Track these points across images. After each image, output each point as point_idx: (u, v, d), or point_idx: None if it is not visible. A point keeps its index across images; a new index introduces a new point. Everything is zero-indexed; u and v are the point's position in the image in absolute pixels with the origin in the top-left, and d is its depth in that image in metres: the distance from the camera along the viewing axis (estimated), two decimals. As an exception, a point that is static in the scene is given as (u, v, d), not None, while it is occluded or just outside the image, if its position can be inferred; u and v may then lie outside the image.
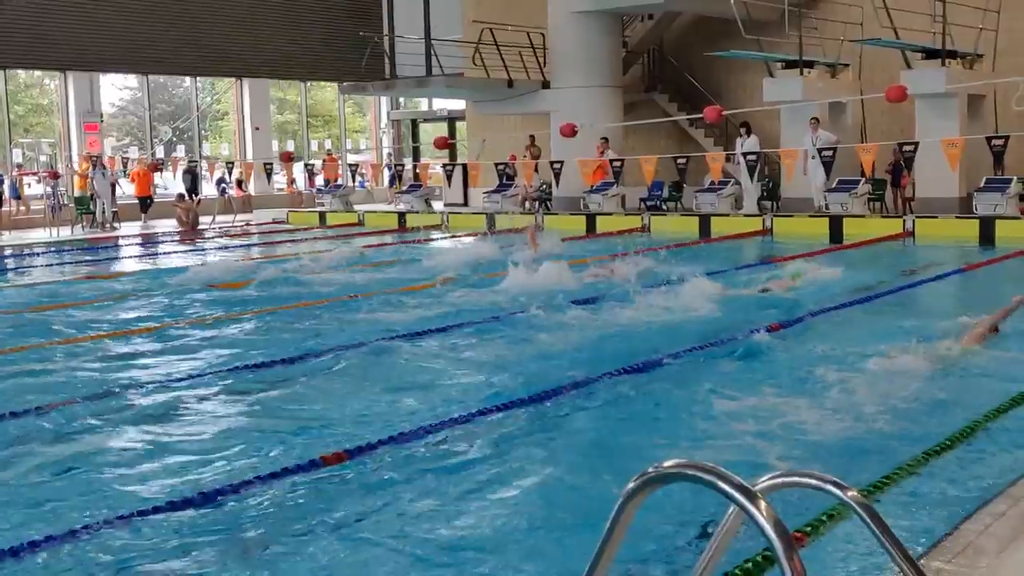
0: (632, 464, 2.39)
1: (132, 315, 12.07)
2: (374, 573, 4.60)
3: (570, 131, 22.91)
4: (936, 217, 19.10)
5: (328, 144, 37.86)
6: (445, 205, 27.84)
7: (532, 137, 26.95)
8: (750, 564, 3.94)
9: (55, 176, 26.22)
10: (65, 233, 24.55)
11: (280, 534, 5.02)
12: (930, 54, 20.35)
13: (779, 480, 2.57)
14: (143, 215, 27.03)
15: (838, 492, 2.52)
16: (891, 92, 18.93)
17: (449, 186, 27.89)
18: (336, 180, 29.81)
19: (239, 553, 4.81)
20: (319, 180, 29.93)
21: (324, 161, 31.51)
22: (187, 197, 27.81)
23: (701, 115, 22.32)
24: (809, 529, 4.40)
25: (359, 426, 6.84)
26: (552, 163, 23.77)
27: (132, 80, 35.43)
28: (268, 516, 5.23)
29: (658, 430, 6.70)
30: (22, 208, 27.95)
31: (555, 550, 4.70)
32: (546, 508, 5.31)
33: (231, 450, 6.42)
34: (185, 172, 29.18)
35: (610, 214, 22.82)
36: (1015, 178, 19.10)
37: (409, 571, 4.60)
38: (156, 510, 5.18)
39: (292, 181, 32.96)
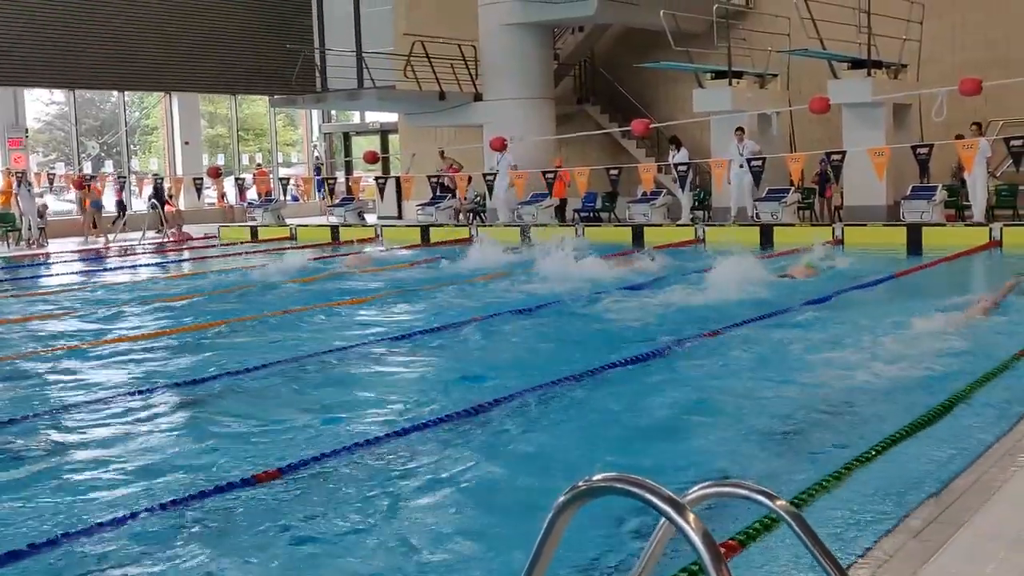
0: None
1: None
2: None
3: (500, 144, 23.02)
4: (865, 225, 19.41)
5: (259, 158, 37.52)
6: (379, 218, 27.71)
7: (442, 151, 27.00)
8: (684, 574, 3.94)
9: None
10: (-11, 251, 24.05)
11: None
12: (856, 64, 20.70)
13: (709, 491, 2.56)
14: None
15: (767, 502, 2.52)
16: (814, 103, 19.27)
17: (382, 199, 27.79)
18: (268, 194, 29.56)
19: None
20: (251, 194, 29.61)
21: (254, 175, 31.24)
22: (157, 207, 27.76)
23: (627, 129, 22.57)
24: (743, 538, 4.41)
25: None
26: (485, 175, 23.80)
27: (59, 95, 34.79)
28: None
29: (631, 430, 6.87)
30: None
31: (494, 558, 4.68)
32: (482, 521, 5.28)
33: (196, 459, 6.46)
34: (154, 187, 28.84)
35: (544, 225, 22.86)
36: (940, 185, 19.49)
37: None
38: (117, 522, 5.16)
39: (223, 196, 32.58)
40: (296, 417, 7.47)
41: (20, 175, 25.74)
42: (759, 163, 20.44)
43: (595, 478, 2.29)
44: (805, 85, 22.33)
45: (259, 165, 34.82)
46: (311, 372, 9.06)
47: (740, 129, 21.29)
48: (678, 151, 22.55)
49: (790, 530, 2.50)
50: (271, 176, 33.01)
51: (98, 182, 28.83)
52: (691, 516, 2.13)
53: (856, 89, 20.21)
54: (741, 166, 20.96)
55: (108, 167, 33.32)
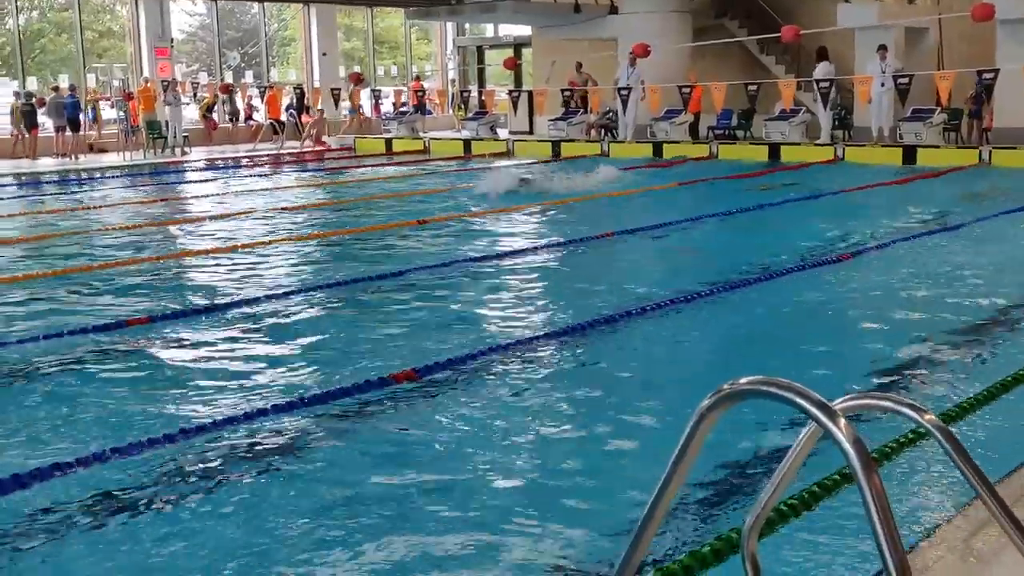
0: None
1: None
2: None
3: (643, 51, 22.57)
4: (1015, 148, 18.54)
5: (395, 71, 37.79)
6: (511, 132, 27.67)
7: (579, 64, 26.63)
8: (828, 482, 3.93)
9: (129, 98, 26.42)
10: (137, 157, 24.84)
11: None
12: (1012, -24, 19.66)
13: (856, 402, 2.54)
14: (278, 136, 27.60)
15: (915, 415, 2.49)
16: (978, 11, 18.32)
17: (515, 113, 27.74)
18: (415, 105, 29.93)
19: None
20: (385, 106, 29.89)
21: (411, 87, 31.64)
22: (295, 117, 28.49)
23: (775, 35, 21.89)
24: (877, 455, 4.37)
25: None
26: (619, 90, 23.49)
27: (201, 6, 35.50)
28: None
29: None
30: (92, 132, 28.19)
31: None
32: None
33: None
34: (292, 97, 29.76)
35: (677, 142, 22.54)
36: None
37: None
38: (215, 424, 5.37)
39: (359, 107, 32.88)
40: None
41: (167, 84, 26.43)
42: (906, 80, 19.67)
43: (741, 381, 2.27)
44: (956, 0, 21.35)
45: (417, 76, 35.15)
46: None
47: (883, 47, 20.47)
48: (821, 63, 21.75)
49: (938, 447, 2.47)
50: (422, 86, 33.23)
51: (238, 92, 29.56)
52: (842, 422, 2.10)
53: (1012, 1, 19.17)
54: (883, 84, 20.22)
55: (248, 77, 33.94)
